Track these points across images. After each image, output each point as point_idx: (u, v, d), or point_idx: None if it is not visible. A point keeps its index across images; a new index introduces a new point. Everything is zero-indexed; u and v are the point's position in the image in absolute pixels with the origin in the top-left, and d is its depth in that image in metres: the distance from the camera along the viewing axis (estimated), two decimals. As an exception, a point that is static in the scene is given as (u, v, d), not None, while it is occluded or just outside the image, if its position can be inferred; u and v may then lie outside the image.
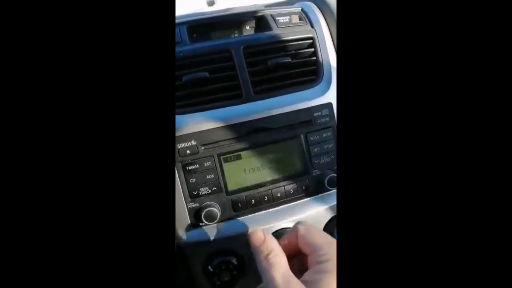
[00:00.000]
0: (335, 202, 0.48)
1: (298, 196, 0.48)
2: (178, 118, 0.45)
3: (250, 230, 0.45)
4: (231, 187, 0.46)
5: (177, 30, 0.49)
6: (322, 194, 0.49)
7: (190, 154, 0.44)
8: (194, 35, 0.52)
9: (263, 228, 0.46)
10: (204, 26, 0.53)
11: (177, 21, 0.51)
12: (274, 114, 0.46)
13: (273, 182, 0.47)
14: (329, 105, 0.48)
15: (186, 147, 0.44)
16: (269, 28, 0.51)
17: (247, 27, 0.55)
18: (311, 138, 0.48)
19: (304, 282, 0.30)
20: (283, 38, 0.50)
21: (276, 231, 0.46)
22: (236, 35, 0.55)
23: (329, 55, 0.51)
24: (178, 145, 0.44)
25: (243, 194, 0.46)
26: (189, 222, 0.45)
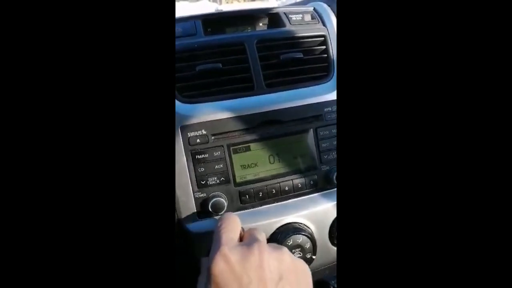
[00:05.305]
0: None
1: (306, 190, 0.48)
2: (189, 107, 0.45)
3: (257, 223, 0.45)
4: (239, 178, 0.46)
5: (192, 23, 0.50)
6: (330, 190, 0.48)
7: (200, 143, 0.44)
8: (209, 29, 0.53)
9: (269, 222, 0.45)
10: (218, 21, 0.54)
11: (192, 15, 0.52)
12: (284, 107, 0.47)
13: (281, 175, 0.47)
14: None
15: (197, 136, 0.44)
16: (282, 25, 0.52)
17: (260, 24, 0.56)
18: (321, 133, 0.48)
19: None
20: (295, 35, 0.51)
21: (283, 225, 0.46)
22: (250, 30, 0.56)
23: (341, 53, 0.52)
24: (188, 134, 0.44)
25: (251, 186, 0.46)
26: (196, 212, 0.45)
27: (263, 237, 0.37)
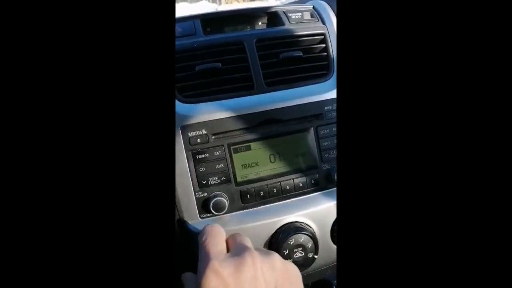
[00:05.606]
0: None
1: (307, 190, 0.47)
2: (189, 106, 0.45)
3: (258, 223, 0.45)
4: (240, 177, 0.46)
5: (191, 23, 0.50)
6: (332, 189, 0.48)
7: (200, 143, 0.44)
8: (208, 29, 0.52)
9: (271, 221, 0.45)
10: (217, 20, 0.53)
11: (191, 15, 0.52)
12: (285, 106, 0.47)
13: (282, 174, 0.47)
14: None
15: (197, 135, 0.44)
16: (281, 23, 0.52)
17: (260, 23, 0.56)
18: (322, 132, 0.48)
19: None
20: (295, 33, 0.51)
21: (284, 224, 0.46)
22: (249, 29, 0.56)
23: (340, 51, 0.52)
24: (189, 134, 0.44)
25: (252, 185, 0.46)
26: (197, 211, 0.45)
27: (249, 242, 0.36)
